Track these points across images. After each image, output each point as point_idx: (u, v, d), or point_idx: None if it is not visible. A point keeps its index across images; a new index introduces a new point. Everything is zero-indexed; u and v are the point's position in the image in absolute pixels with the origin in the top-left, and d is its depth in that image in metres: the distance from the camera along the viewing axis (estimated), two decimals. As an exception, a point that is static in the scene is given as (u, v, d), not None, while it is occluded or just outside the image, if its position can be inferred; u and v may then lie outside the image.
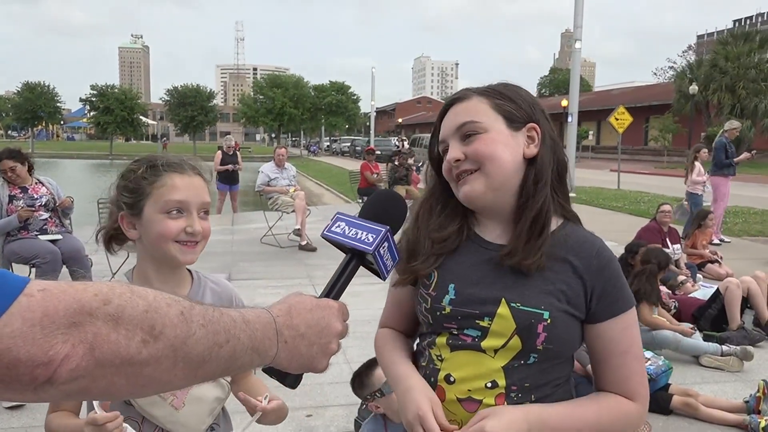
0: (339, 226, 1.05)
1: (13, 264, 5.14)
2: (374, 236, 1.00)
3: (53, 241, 5.20)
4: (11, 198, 5.11)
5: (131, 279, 1.57)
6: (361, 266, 1.03)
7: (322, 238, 1.06)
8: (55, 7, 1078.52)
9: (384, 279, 1.06)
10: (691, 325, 5.01)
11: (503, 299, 1.22)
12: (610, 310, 1.24)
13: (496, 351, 1.22)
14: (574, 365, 1.34)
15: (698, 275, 6.87)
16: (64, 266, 5.27)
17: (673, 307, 5.27)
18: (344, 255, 1.04)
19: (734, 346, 4.66)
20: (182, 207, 1.47)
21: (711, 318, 5.27)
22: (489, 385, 1.22)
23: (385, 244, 1.01)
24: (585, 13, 11.94)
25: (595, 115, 44.50)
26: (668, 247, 6.59)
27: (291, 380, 0.96)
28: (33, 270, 5.04)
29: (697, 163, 9.55)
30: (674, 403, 3.83)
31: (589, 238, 1.29)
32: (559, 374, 1.27)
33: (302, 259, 8.27)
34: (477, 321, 1.23)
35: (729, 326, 5.17)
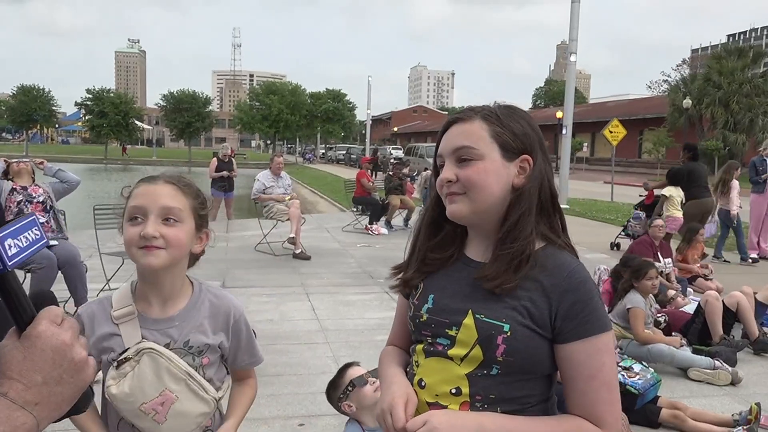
0: None
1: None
2: None
3: (49, 247, 5.21)
4: (12, 190, 5.42)
5: (134, 290, 1.58)
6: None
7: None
8: (42, 7, 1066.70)
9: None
10: (680, 336, 5.05)
11: (470, 310, 1.29)
12: (576, 331, 1.24)
13: (462, 359, 1.28)
14: (552, 387, 1.35)
15: (689, 289, 6.94)
16: (60, 271, 5.27)
17: (663, 321, 5.31)
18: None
19: (726, 365, 4.68)
20: (139, 212, 1.48)
21: (697, 332, 5.32)
22: (454, 391, 1.28)
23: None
24: (581, 25, 12.08)
25: (590, 127, 44.74)
26: (660, 261, 6.65)
27: (80, 406, 0.89)
28: (28, 275, 5.05)
29: (735, 182, 9.56)
30: (662, 416, 3.84)
31: (566, 260, 1.30)
32: (530, 392, 1.30)
33: (296, 267, 8.30)
34: (446, 330, 1.31)
35: (712, 339, 5.23)
